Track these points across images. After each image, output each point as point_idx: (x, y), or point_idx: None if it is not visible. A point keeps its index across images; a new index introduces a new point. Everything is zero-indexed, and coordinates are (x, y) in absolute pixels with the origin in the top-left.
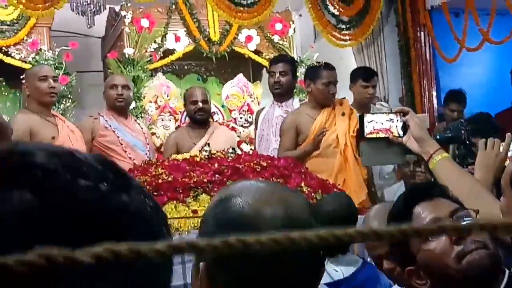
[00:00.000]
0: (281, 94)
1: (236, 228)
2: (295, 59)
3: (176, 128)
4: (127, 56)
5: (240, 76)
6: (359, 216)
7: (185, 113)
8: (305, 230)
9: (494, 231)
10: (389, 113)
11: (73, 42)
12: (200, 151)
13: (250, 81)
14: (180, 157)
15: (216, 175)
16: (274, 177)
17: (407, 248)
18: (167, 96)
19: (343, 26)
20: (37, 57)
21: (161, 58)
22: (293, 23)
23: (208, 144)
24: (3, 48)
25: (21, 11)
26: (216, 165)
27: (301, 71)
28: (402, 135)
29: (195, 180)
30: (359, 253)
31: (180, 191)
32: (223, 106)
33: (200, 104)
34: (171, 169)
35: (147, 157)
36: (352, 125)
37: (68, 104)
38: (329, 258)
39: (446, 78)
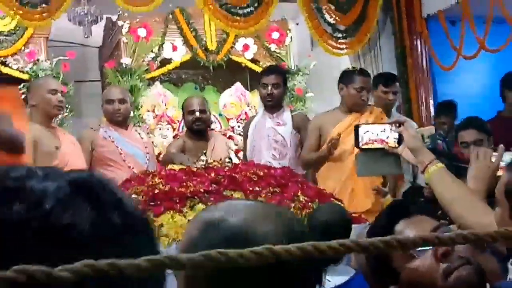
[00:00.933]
0: (273, 106)
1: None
2: (291, 67)
3: (173, 137)
4: (124, 65)
5: (238, 84)
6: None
7: (183, 122)
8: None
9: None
10: (384, 123)
11: (71, 52)
12: (196, 160)
13: (247, 90)
14: (177, 167)
15: (213, 185)
16: (271, 187)
17: (389, 266)
18: (165, 105)
19: (340, 35)
20: (35, 67)
21: (158, 67)
22: (290, 31)
23: (205, 154)
24: (1, 58)
25: (18, 22)
26: (212, 174)
27: (298, 80)
28: (397, 146)
29: (191, 189)
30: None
31: (177, 200)
32: (220, 114)
33: (198, 113)
34: (167, 179)
35: (147, 166)
36: None
37: (66, 114)
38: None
39: (443, 86)
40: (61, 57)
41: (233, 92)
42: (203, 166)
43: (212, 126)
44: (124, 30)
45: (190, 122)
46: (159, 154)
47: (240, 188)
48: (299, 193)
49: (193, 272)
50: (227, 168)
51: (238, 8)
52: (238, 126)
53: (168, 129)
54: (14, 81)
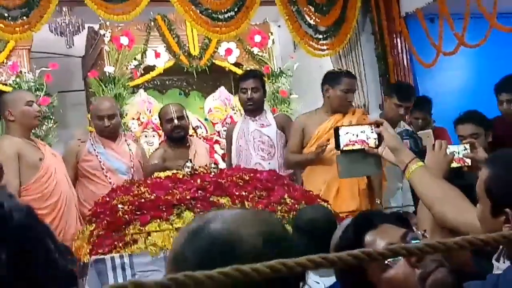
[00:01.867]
0: (255, 109)
1: (221, 255)
2: (274, 70)
3: (159, 143)
4: (107, 74)
5: (222, 89)
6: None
7: None
8: (286, 243)
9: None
10: (363, 124)
11: (53, 63)
12: (182, 167)
13: (232, 94)
14: (162, 174)
15: (199, 191)
16: (257, 190)
17: (365, 279)
18: (150, 112)
19: (320, 36)
20: (18, 80)
21: (142, 74)
22: (271, 34)
23: (191, 160)
24: None
25: None
26: (198, 181)
27: (282, 81)
28: (377, 146)
29: (178, 197)
30: None
31: (163, 209)
32: (206, 119)
33: (176, 121)
34: (153, 187)
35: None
36: None
37: (50, 125)
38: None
39: (425, 83)
40: (44, 68)
41: (218, 96)
42: (189, 173)
43: (198, 131)
44: (106, 39)
45: (169, 130)
46: None
47: (226, 193)
48: (285, 196)
49: None
50: (212, 174)
51: (218, 13)
52: (224, 130)
53: (154, 136)
54: None
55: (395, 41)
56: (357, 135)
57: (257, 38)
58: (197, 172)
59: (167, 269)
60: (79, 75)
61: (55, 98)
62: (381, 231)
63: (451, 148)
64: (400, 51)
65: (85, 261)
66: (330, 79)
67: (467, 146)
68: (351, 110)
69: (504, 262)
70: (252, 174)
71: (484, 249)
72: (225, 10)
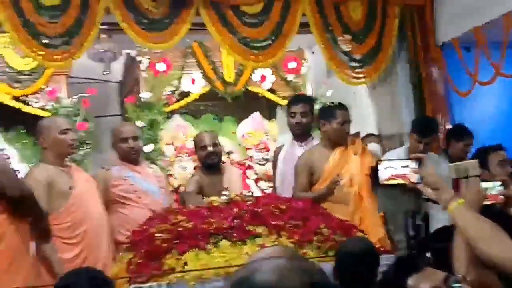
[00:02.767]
0: (302, 134)
1: None
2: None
3: (194, 168)
4: (143, 100)
5: (256, 114)
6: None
7: None
8: None
9: None
10: (405, 159)
11: (91, 89)
12: (218, 195)
13: (265, 119)
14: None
15: (236, 220)
16: (293, 220)
17: None
18: (185, 137)
19: (356, 64)
20: (56, 105)
21: (177, 100)
22: (305, 61)
23: (226, 189)
24: (21, 97)
25: (40, 62)
26: (235, 209)
27: (315, 108)
28: (419, 182)
29: (214, 226)
30: None
31: (200, 238)
32: (239, 144)
33: (210, 148)
34: (190, 216)
35: (162, 201)
36: (365, 163)
37: (87, 150)
38: None
39: (461, 113)
40: (82, 94)
41: (251, 121)
42: (225, 201)
43: (232, 156)
44: (143, 66)
45: (204, 156)
46: (179, 186)
47: (262, 223)
48: (322, 225)
49: None
50: (249, 202)
51: (256, 41)
52: (257, 155)
53: (188, 161)
54: (35, 119)
55: (431, 70)
56: (398, 170)
57: (292, 65)
58: (233, 201)
59: None
60: (115, 99)
61: (92, 124)
62: (425, 275)
63: (484, 185)
64: (435, 80)
65: None
66: (325, 114)
67: (500, 183)
68: (351, 140)
69: None
70: (288, 203)
71: None
72: (263, 38)
